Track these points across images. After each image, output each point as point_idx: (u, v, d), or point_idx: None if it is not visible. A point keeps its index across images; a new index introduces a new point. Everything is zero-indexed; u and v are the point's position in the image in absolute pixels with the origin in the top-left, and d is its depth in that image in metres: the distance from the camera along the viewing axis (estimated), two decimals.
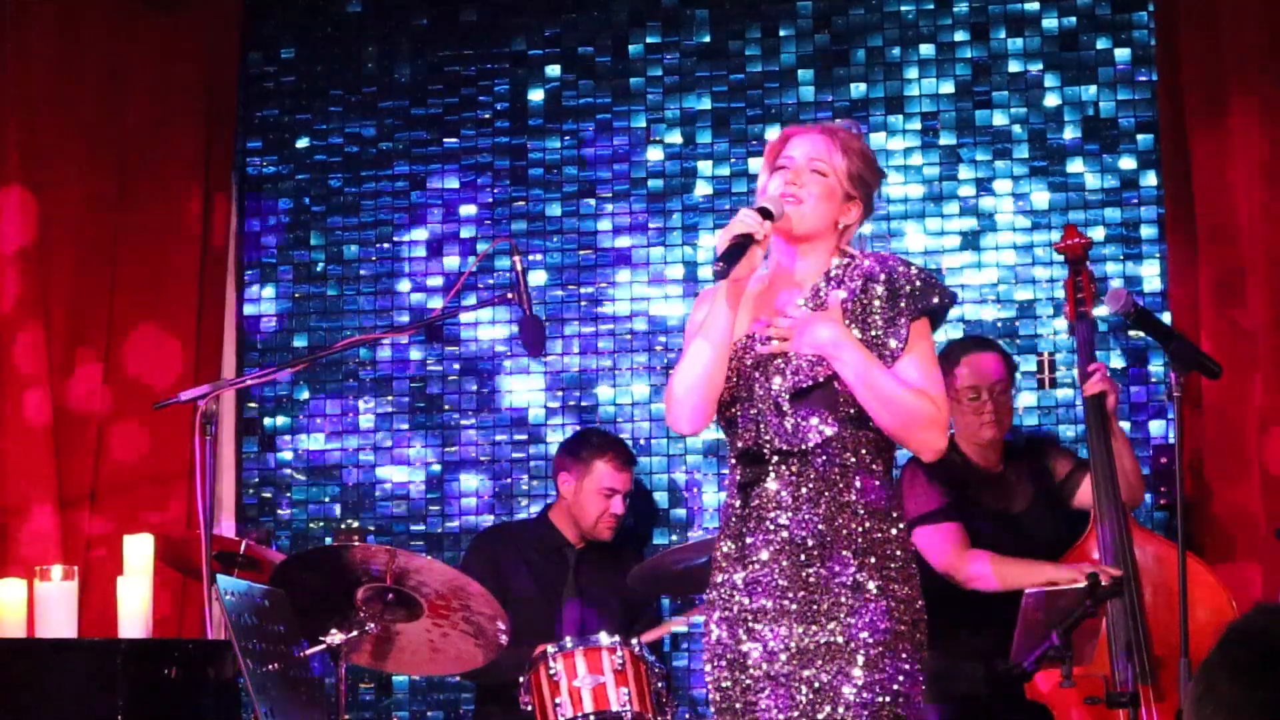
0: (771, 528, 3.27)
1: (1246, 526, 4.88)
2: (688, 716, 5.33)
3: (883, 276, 3.34)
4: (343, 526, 5.63)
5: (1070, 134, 5.51)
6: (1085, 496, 4.67)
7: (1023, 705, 4.45)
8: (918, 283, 3.34)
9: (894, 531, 3.30)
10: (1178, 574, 4.05)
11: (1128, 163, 5.48)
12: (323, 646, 4.08)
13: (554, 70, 5.84)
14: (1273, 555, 4.77)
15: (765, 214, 3.28)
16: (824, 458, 3.26)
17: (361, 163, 5.91)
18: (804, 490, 3.26)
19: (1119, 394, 4.70)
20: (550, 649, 4.47)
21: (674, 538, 5.52)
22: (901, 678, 3.22)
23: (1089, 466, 4.63)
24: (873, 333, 3.31)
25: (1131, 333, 5.28)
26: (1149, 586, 4.40)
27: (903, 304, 3.32)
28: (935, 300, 3.35)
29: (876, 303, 3.32)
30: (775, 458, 3.28)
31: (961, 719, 4.66)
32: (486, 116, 5.86)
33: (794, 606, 3.23)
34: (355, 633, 4.13)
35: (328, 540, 5.63)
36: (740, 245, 3.23)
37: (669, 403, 3.37)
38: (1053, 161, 5.51)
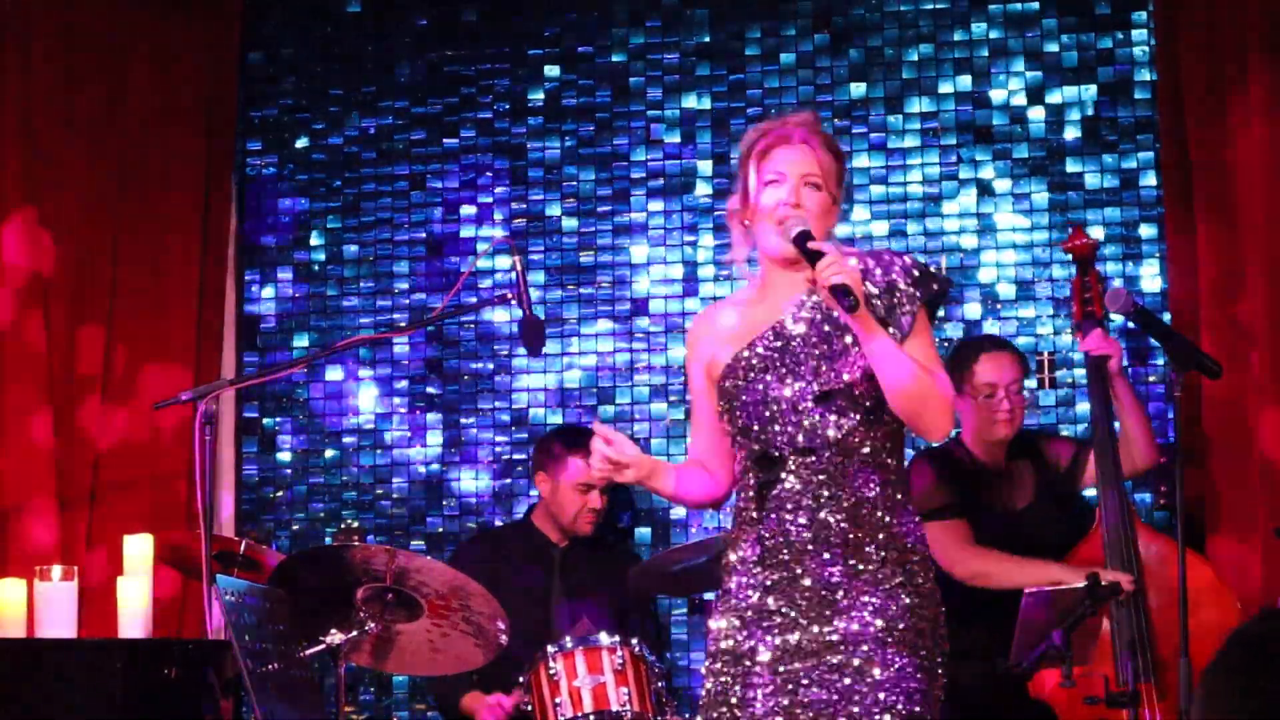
0: (793, 529, 3.25)
1: (1247, 525, 4.88)
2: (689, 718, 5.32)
3: (878, 271, 3.30)
4: (343, 526, 5.62)
5: (1070, 134, 5.51)
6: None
7: (1025, 704, 4.45)
8: (915, 272, 3.32)
9: (912, 524, 3.30)
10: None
11: (1128, 163, 5.48)
12: (323, 646, 4.08)
13: (554, 70, 5.84)
14: (1274, 554, 4.77)
15: (807, 237, 3.23)
16: (841, 453, 3.24)
17: (361, 163, 5.91)
18: (824, 490, 3.24)
19: (1121, 354, 4.66)
20: (550, 649, 4.47)
21: (673, 538, 5.52)
22: (920, 674, 3.19)
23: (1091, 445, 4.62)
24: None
25: (1131, 331, 5.28)
26: (1153, 585, 4.40)
27: (903, 292, 3.29)
28: (936, 288, 3.34)
29: (874, 295, 3.27)
30: (793, 456, 3.25)
31: (961, 718, 4.65)
32: (487, 117, 5.86)
33: (814, 607, 3.21)
34: (355, 633, 4.12)
35: (328, 540, 5.64)
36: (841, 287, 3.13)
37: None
38: (1053, 161, 5.51)
